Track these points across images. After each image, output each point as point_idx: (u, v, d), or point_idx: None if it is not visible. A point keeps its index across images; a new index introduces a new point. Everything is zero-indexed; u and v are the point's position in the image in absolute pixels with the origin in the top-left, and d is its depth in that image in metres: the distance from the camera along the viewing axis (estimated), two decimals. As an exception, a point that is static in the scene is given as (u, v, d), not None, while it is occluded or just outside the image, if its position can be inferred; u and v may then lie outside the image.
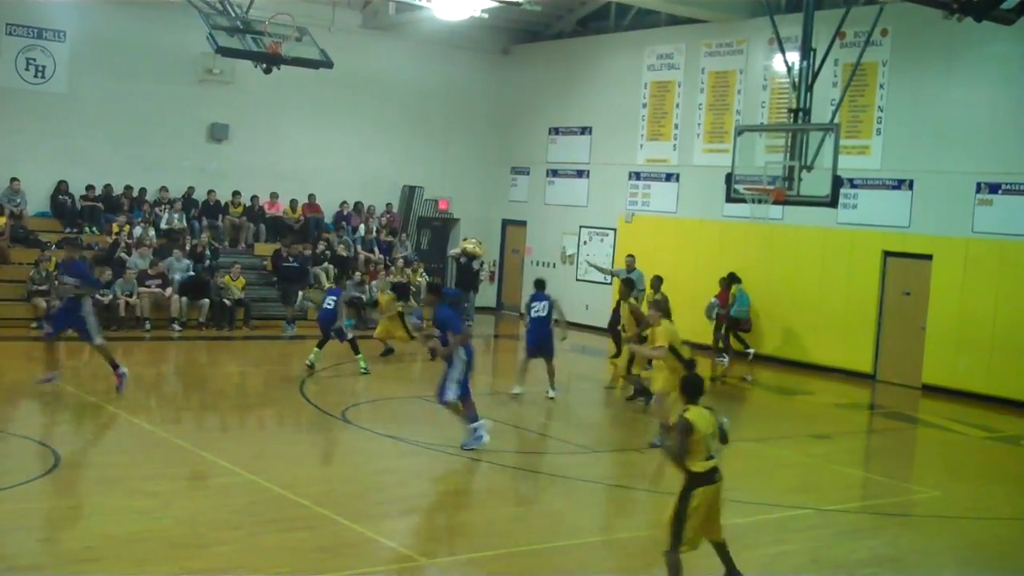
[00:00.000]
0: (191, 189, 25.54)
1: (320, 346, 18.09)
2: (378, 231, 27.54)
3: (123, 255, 22.82)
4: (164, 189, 25.18)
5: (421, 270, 26.68)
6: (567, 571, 9.03)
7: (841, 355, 21.56)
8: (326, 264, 25.42)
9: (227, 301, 22.81)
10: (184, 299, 22.34)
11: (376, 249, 26.88)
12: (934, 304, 20.22)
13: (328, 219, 27.28)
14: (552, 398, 16.60)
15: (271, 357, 20.17)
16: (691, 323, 20.94)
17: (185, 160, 25.60)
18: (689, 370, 12.30)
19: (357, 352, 18.09)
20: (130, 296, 21.73)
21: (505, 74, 29.80)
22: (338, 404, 15.36)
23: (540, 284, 17.55)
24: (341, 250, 26.05)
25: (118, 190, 24.67)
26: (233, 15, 18.06)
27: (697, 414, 7.96)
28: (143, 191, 25.04)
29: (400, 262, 26.24)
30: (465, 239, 26.48)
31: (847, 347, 21.48)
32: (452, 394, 12.53)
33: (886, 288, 21.08)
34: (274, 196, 26.49)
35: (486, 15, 22.91)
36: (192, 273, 23.04)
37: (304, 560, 8.65)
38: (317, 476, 11.71)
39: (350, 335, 18.17)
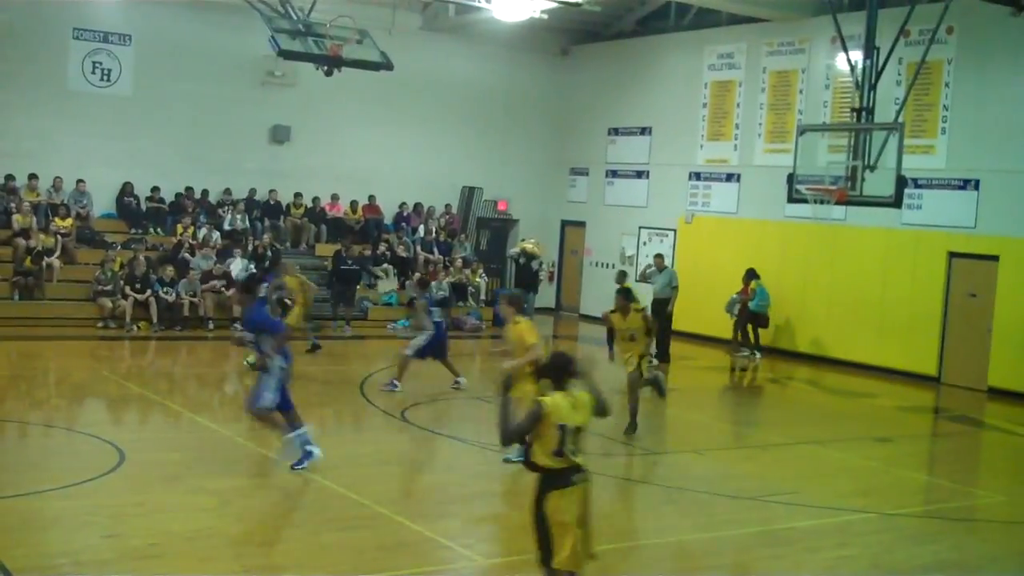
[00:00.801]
0: (253, 191, 25.81)
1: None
2: (437, 232, 27.65)
3: (187, 256, 23.12)
4: (227, 191, 25.48)
5: (480, 271, 26.76)
6: (627, 573, 8.99)
7: (905, 358, 21.26)
8: (385, 265, 25.60)
9: (288, 301, 22.96)
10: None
11: (435, 250, 26.99)
12: (1000, 306, 19.87)
13: (388, 220, 27.45)
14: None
15: (329, 357, 20.30)
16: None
17: (248, 162, 25.89)
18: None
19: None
20: (193, 296, 22.02)
21: (564, 75, 29.77)
22: (397, 404, 15.42)
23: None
24: (401, 251, 26.19)
25: (182, 192, 25.02)
26: (295, 18, 18.21)
27: (557, 400, 6.67)
28: (206, 192, 25.36)
29: (459, 263, 26.32)
30: (524, 239, 26.47)
31: (911, 349, 21.17)
32: (266, 402, 11.16)
33: (951, 290, 20.75)
34: (335, 197, 26.70)
35: (545, 16, 22.92)
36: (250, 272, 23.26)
37: (364, 559, 8.70)
38: (377, 475, 11.77)
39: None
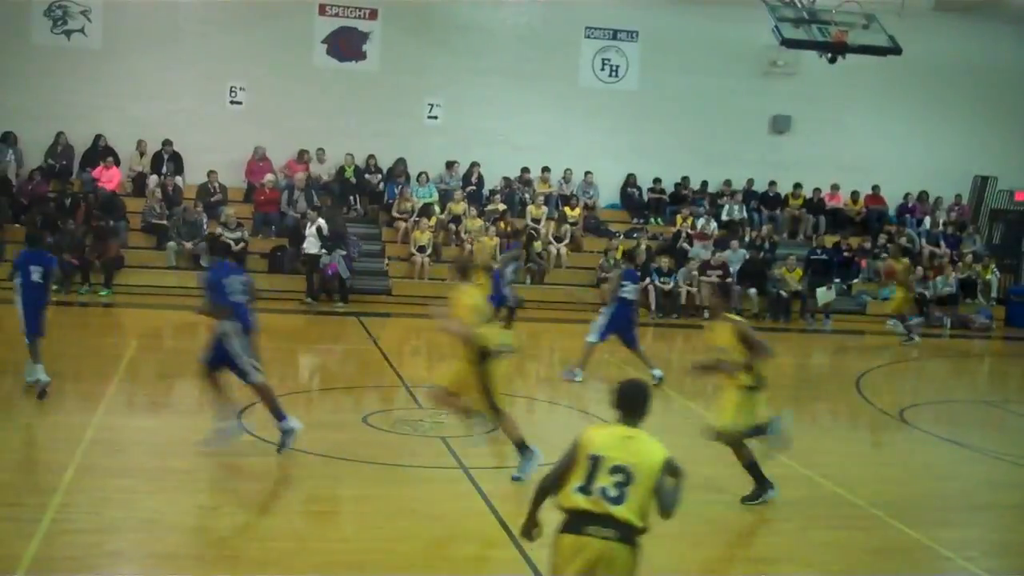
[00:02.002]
0: (751, 181, 25.83)
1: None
2: (945, 224, 26.12)
3: (685, 245, 23.60)
4: (727, 182, 25.69)
5: (992, 266, 24.97)
6: None
7: None
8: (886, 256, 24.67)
9: (783, 293, 22.81)
10: (740, 289, 22.66)
11: (942, 243, 25.52)
12: None
13: (891, 211, 26.35)
14: None
15: (823, 350, 19.85)
16: None
17: (747, 152, 25.93)
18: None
19: None
20: (691, 285, 22.44)
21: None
22: (896, 403, 14.77)
23: None
24: (904, 243, 25.05)
25: (680, 182, 25.59)
26: (799, 6, 17.99)
27: (604, 434, 5.62)
28: (705, 183, 25.72)
29: (969, 257, 24.72)
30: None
31: None
32: (254, 374, 10.16)
33: None
34: (835, 188, 26.07)
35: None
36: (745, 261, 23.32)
37: (855, 560, 8.41)
38: (872, 476, 11.32)
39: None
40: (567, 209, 24.04)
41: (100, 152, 22.72)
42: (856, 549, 8.66)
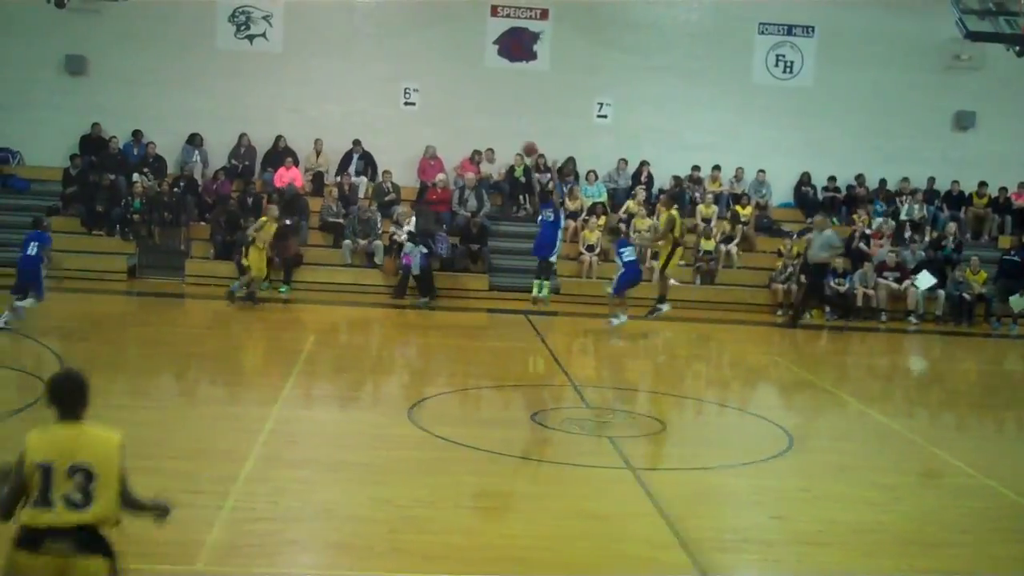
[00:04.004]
0: (932, 179, 24.94)
1: None
2: None
3: (861, 246, 22.92)
4: (905, 179, 24.88)
5: None
6: None
7: None
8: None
9: (966, 296, 21.94)
10: (921, 291, 21.89)
11: None
12: None
13: (1086, 209, 25.07)
14: None
15: (1011, 356, 19.02)
16: None
17: (927, 150, 25.05)
18: None
19: None
20: (867, 287, 21.79)
21: None
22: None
23: None
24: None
25: (857, 181, 24.90)
26: (986, -3, 17.29)
27: (46, 438, 5.08)
28: (883, 181, 24.95)
29: None
30: None
31: None
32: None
33: None
34: (1022, 187, 24.92)
35: None
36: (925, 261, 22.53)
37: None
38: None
39: None
40: (738, 208, 23.67)
41: (280, 153, 23.48)
42: (1041, 565, 8.27)
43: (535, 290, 18.65)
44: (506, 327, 19.46)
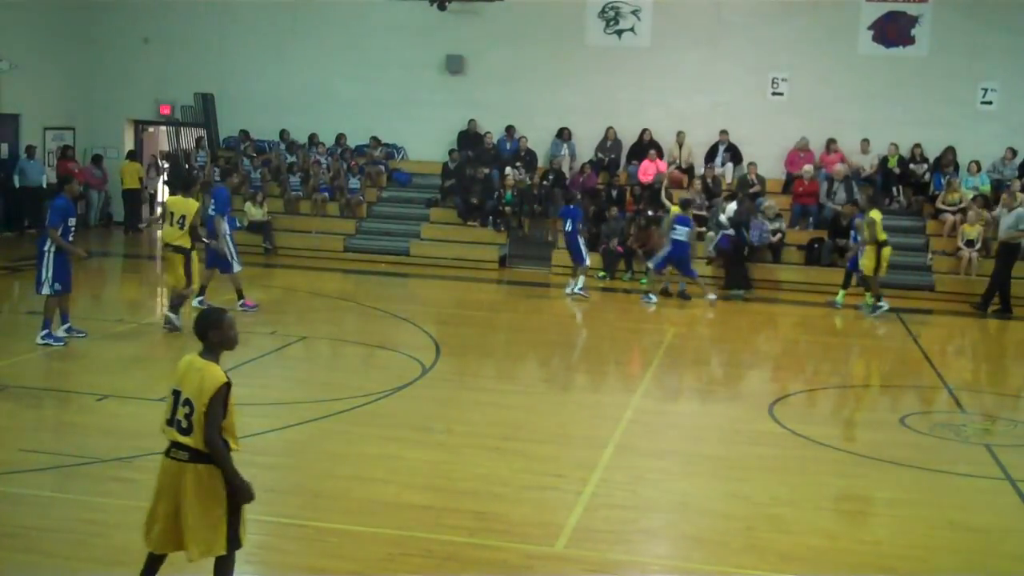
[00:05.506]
0: None
1: None
2: None
3: None
4: None
5: None
6: None
7: None
8: None
9: None
10: None
11: None
12: None
13: None
14: None
15: None
16: None
17: None
18: None
19: None
20: None
21: None
22: None
23: None
24: None
25: None
26: None
27: (181, 366, 5.79)
28: None
29: None
30: None
31: None
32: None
33: None
34: None
35: None
36: None
37: None
38: None
39: None
40: None
41: (645, 145, 23.65)
42: None
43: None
44: (873, 325, 18.63)
